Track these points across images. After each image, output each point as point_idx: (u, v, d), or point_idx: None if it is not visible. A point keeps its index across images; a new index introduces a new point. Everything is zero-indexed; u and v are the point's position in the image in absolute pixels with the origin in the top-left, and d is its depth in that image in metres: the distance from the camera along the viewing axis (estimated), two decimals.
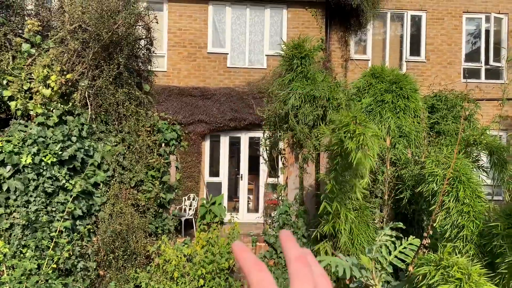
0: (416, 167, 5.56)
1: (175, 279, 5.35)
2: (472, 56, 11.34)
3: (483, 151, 5.70)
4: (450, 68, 10.95)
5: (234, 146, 11.04)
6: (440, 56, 11.01)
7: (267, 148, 7.35)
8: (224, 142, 10.64)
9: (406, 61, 11.06)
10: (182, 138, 6.74)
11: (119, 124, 6.17)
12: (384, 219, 5.98)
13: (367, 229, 5.83)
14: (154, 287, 5.25)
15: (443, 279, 3.54)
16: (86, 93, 5.86)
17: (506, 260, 4.01)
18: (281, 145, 7.17)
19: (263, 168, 9.11)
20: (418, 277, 3.93)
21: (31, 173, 5.29)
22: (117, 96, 6.05)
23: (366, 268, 4.71)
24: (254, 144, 10.64)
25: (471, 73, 10.99)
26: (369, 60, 11.10)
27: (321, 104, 6.34)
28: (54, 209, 5.37)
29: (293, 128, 6.55)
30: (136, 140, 6.13)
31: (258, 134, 10.12)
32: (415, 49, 11.16)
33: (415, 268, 4.15)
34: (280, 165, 7.35)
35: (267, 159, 7.57)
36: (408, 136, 6.10)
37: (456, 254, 4.54)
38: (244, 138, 10.57)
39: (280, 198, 7.07)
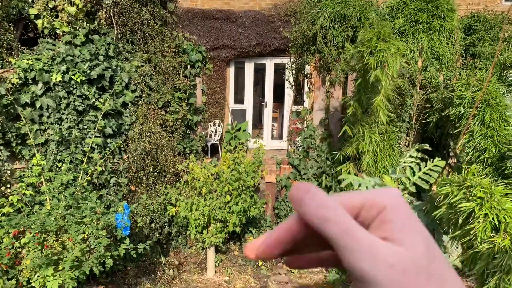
0: (446, 91, 5.41)
1: (203, 194, 5.58)
2: None
3: None
4: None
5: (259, 73, 10.91)
6: None
7: (294, 72, 7.22)
8: (249, 69, 10.52)
9: None
10: (207, 60, 6.67)
11: (145, 44, 6.13)
12: (410, 143, 5.95)
13: (392, 152, 5.83)
14: (183, 201, 5.50)
15: (465, 198, 3.56)
16: (111, 11, 5.78)
17: None
18: (308, 68, 7.03)
19: (289, 93, 9.03)
20: (440, 196, 3.97)
21: (61, 91, 5.40)
22: (141, 15, 5.95)
23: None
24: (279, 71, 10.49)
25: None
26: None
27: (352, 24, 6.08)
28: (85, 126, 5.54)
29: (321, 50, 6.37)
30: (162, 61, 6.11)
31: (284, 60, 9.92)
32: None
33: (438, 188, 4.18)
34: (306, 89, 7.27)
35: (292, 84, 7.47)
36: (441, 58, 5.86)
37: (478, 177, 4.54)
38: (269, 65, 10.41)
39: (305, 122, 7.08)
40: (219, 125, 10.03)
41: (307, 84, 7.13)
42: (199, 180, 5.67)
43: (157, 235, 5.97)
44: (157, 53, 6.10)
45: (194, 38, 6.75)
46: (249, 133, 10.22)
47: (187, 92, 6.33)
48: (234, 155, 6.00)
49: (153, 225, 5.88)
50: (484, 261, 2.60)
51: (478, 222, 2.71)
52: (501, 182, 4.07)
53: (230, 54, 9.95)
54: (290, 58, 7.37)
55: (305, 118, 7.12)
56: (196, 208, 5.52)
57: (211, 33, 9.81)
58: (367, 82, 4.86)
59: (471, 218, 2.81)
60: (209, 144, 9.30)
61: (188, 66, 6.50)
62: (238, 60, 10.36)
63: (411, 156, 5.17)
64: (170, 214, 5.70)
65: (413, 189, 4.96)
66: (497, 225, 2.64)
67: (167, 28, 6.24)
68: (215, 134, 9.79)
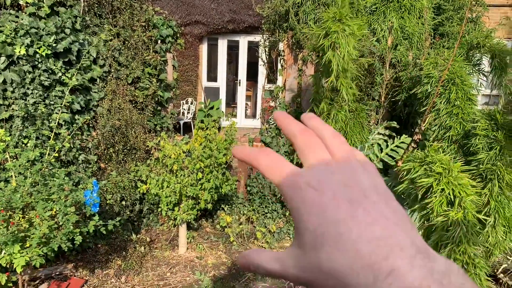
0: (414, 69, 5.51)
1: (174, 172, 5.56)
2: None
3: (485, 54, 5.61)
4: None
5: (233, 50, 10.79)
6: None
7: (267, 49, 7.19)
8: (222, 46, 10.38)
9: None
10: (178, 35, 6.55)
11: (113, 18, 5.96)
12: (379, 121, 6.07)
13: (361, 130, 5.94)
14: (154, 178, 5.48)
15: (425, 174, 3.69)
16: None
17: (477, 158, 4.15)
18: (281, 46, 7.01)
19: (262, 71, 9.00)
20: (403, 172, 4.10)
21: (26, 65, 5.22)
22: None
23: None
24: (253, 49, 10.41)
25: None
26: None
27: (324, 1, 6.08)
28: (52, 102, 5.40)
29: (293, 28, 6.35)
30: (132, 35, 5.97)
31: (257, 38, 9.83)
32: None
33: (402, 164, 4.31)
34: (279, 67, 7.26)
35: (265, 62, 7.45)
36: (411, 37, 5.95)
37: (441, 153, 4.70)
38: (243, 42, 10.30)
39: (278, 100, 7.10)
40: (191, 103, 9.93)
41: (280, 62, 7.12)
42: (170, 157, 5.64)
43: (128, 213, 5.94)
44: (126, 27, 5.94)
45: (165, 12, 6.60)
46: (222, 112, 10.17)
47: (158, 68, 6.23)
48: (206, 132, 5.98)
49: (123, 202, 5.85)
50: (438, 234, 2.72)
51: (435, 196, 2.82)
52: (460, 159, 4.22)
53: (203, 31, 9.76)
54: (263, 36, 7.33)
55: (277, 96, 7.14)
56: (167, 185, 5.51)
57: (183, 8, 9.58)
58: (324, 62, 4.91)
59: (429, 193, 2.92)
60: (181, 122, 9.21)
61: (159, 41, 6.38)
62: (211, 37, 10.19)
63: (379, 133, 5.29)
64: (141, 191, 5.67)
65: (380, 165, 5.10)
66: (453, 200, 2.76)
67: (136, 1, 6.07)
68: (188, 112, 9.69)
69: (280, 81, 7.29)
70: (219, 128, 9.35)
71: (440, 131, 5.04)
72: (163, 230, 6.25)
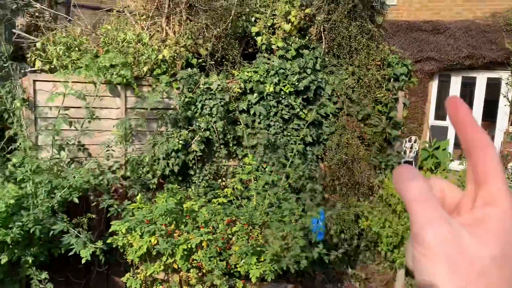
0: None
1: (397, 212, 5.39)
2: None
3: None
4: None
5: (466, 87, 9.93)
6: None
7: None
8: (456, 83, 9.69)
9: None
10: (412, 73, 6.44)
11: (350, 58, 6.30)
12: None
13: None
14: (376, 216, 5.42)
15: None
16: (322, 27, 6.14)
17: None
18: None
19: (505, 111, 7.94)
20: None
21: (272, 100, 5.99)
22: (350, 30, 6.14)
23: None
24: (492, 86, 9.33)
25: None
26: None
27: None
28: (289, 133, 6.02)
29: None
30: (366, 74, 6.17)
31: (499, 74, 8.80)
32: None
33: None
34: None
35: (511, 101, 6.56)
36: None
37: None
38: (481, 79, 9.37)
39: None
40: (415, 142, 9.52)
41: None
42: (394, 196, 5.50)
43: (346, 246, 6.02)
44: (361, 66, 6.19)
45: (401, 51, 6.61)
46: (449, 153, 9.39)
47: (388, 106, 6.24)
48: (435, 175, 5.61)
49: (342, 235, 5.97)
50: None
51: None
52: None
53: (434, 67, 9.36)
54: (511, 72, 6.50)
55: None
56: (389, 225, 5.37)
57: (415, 45, 9.41)
58: None
59: None
60: (402, 161, 8.91)
61: (392, 79, 6.40)
62: (443, 73, 9.65)
63: None
64: (361, 227, 5.69)
65: None
66: None
67: (373, 42, 6.28)
68: (410, 151, 9.32)
69: None
70: (447, 171, 8.64)
71: None
72: (378, 270, 6.08)
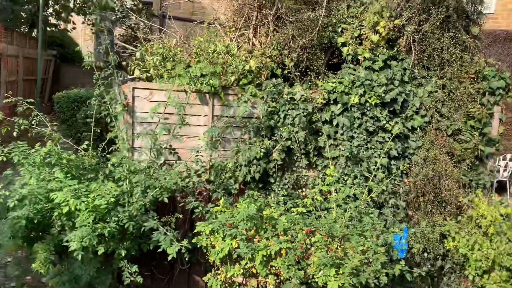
0: None
1: (489, 235, 5.04)
2: None
3: None
4: None
5: None
6: None
7: None
8: None
9: None
10: (510, 87, 6.00)
11: (441, 70, 6.03)
12: None
13: None
14: (464, 237, 5.11)
15: None
16: (411, 38, 5.96)
17: None
18: None
19: None
20: None
21: (356, 112, 5.91)
22: (442, 41, 5.89)
23: None
24: None
25: None
26: None
27: None
28: (373, 146, 5.90)
29: None
30: (458, 87, 5.87)
31: None
32: None
33: None
34: None
35: None
36: None
37: None
38: None
39: None
40: (510, 160, 8.79)
41: None
42: (485, 218, 5.16)
43: (429, 266, 5.74)
44: (453, 79, 5.90)
45: (498, 63, 6.18)
46: None
47: (482, 121, 5.86)
48: None
49: (425, 254, 5.70)
50: None
51: None
52: None
53: None
54: None
55: None
56: (479, 248, 5.04)
57: None
58: None
59: None
60: (494, 180, 8.28)
61: (487, 93, 6.01)
62: None
63: None
64: (447, 247, 5.39)
65: None
66: None
67: (467, 53, 5.96)
68: (505, 170, 8.62)
69: None
70: None
71: None
72: None
